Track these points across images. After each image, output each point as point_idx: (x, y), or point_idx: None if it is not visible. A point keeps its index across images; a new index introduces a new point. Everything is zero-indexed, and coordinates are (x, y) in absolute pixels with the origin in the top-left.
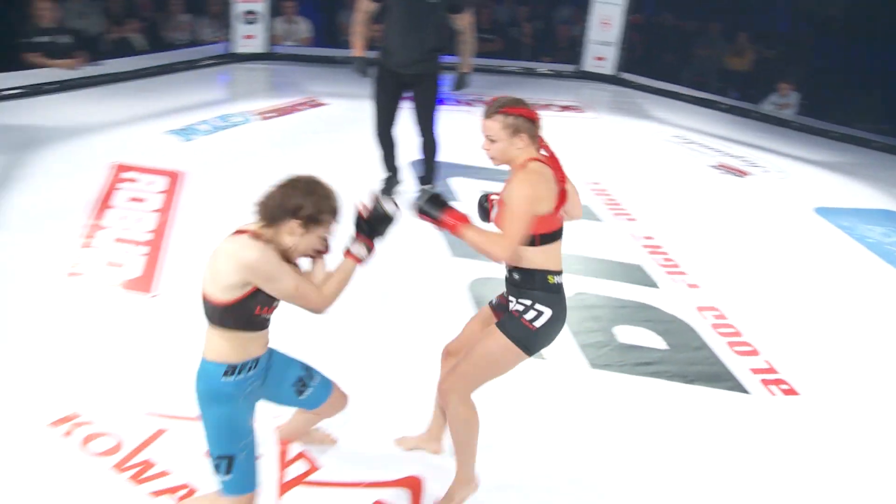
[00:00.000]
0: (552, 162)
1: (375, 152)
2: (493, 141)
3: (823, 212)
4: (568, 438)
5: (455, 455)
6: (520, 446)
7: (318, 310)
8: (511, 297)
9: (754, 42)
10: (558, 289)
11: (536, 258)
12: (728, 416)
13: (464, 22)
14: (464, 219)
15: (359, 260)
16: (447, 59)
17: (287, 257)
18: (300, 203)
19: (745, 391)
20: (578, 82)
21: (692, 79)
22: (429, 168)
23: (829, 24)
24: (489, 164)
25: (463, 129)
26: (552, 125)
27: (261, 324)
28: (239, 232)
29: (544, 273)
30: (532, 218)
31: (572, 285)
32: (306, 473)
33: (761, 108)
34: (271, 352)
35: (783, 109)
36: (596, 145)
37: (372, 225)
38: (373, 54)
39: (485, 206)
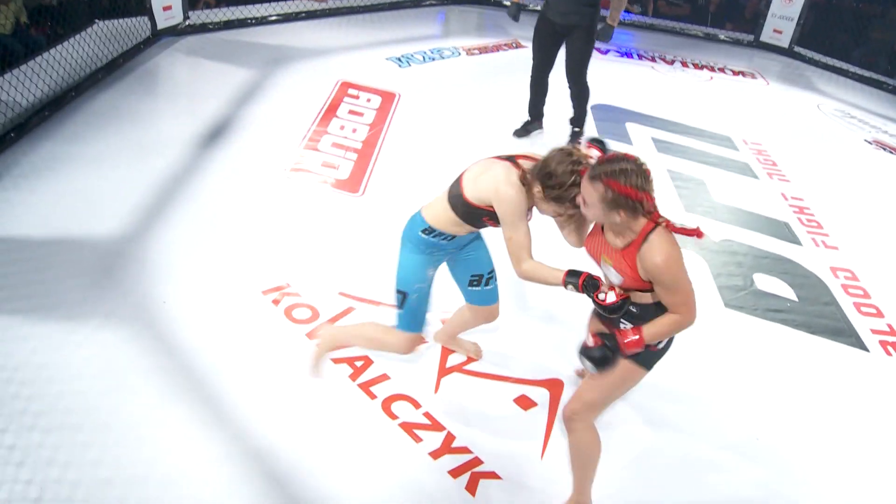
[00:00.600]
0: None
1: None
2: (587, 205)
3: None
4: (694, 372)
5: (573, 475)
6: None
7: (515, 270)
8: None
9: None
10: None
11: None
12: (845, 370)
13: None
14: (638, 331)
15: (565, 286)
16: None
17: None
18: (553, 173)
19: (864, 349)
20: (754, 51)
21: (863, 59)
22: (578, 114)
23: None
24: (663, 114)
25: (643, 82)
26: (724, 87)
27: (479, 226)
28: (518, 159)
29: (659, 305)
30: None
31: (722, 232)
32: (464, 363)
33: None
34: (478, 243)
35: None
36: (762, 110)
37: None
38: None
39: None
